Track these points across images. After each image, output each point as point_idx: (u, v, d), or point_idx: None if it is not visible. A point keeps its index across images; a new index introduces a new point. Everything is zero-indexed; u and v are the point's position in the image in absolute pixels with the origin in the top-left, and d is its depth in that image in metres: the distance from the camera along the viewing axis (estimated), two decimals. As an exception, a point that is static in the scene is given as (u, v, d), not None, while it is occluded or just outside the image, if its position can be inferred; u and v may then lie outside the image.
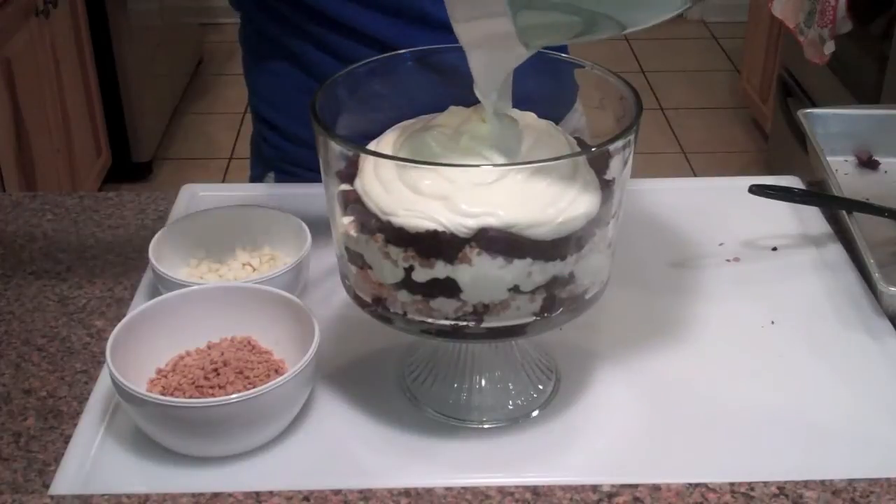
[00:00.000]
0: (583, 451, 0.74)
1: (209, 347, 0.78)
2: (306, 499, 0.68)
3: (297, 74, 1.04)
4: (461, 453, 0.74)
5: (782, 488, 0.68)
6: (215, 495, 0.68)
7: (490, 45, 0.68)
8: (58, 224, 1.02)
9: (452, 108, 0.75)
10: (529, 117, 0.75)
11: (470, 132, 0.71)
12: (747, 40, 3.21)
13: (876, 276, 0.86)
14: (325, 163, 0.71)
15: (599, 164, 0.70)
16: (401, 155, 0.71)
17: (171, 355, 0.78)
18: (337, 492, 0.69)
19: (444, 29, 0.70)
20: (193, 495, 0.68)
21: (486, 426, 0.76)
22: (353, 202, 0.69)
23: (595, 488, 0.69)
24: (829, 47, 2.16)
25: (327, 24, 1.00)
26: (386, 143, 0.73)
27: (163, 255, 0.85)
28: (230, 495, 0.68)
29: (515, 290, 0.68)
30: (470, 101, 0.73)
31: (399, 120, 0.76)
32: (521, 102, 0.74)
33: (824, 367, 0.82)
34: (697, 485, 0.69)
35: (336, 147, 0.69)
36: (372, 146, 0.73)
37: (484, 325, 0.69)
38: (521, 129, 0.72)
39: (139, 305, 0.80)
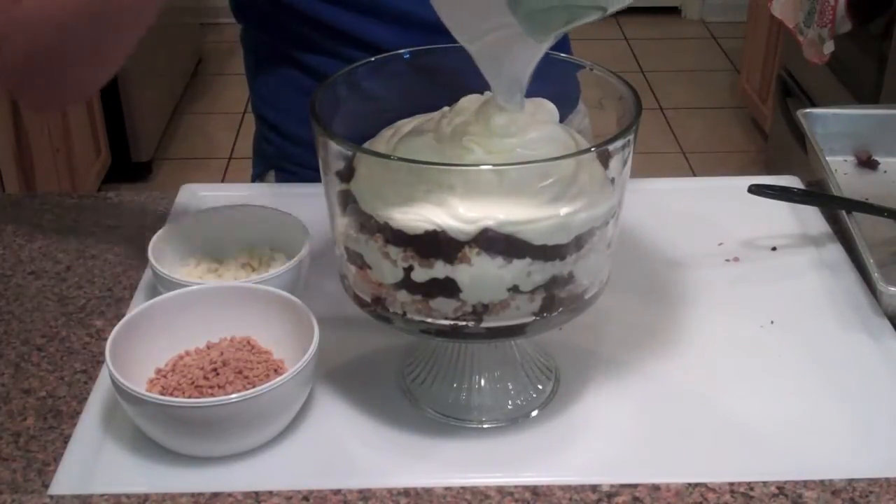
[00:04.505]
0: (582, 451, 0.74)
1: (209, 347, 0.78)
2: (306, 499, 0.68)
3: (297, 76, 1.05)
4: (461, 453, 0.74)
5: (782, 488, 0.68)
6: (215, 495, 0.68)
7: (502, 48, 0.68)
8: (57, 224, 1.02)
9: (463, 101, 0.75)
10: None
11: (469, 131, 0.71)
12: (747, 40, 3.21)
13: (875, 275, 0.86)
14: (325, 162, 0.71)
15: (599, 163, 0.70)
16: (398, 155, 0.70)
17: (170, 355, 0.78)
18: (336, 491, 0.69)
19: (442, 33, 0.71)
20: (193, 495, 0.68)
21: (485, 426, 0.76)
22: (352, 202, 0.69)
23: (594, 488, 0.69)
24: (829, 47, 2.16)
25: (328, 32, 1.00)
26: (381, 143, 0.73)
27: (162, 255, 0.85)
28: (230, 495, 0.68)
29: (515, 289, 0.67)
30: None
31: (398, 119, 0.76)
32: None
33: (824, 367, 0.82)
34: (697, 485, 0.69)
35: (335, 147, 0.69)
36: (366, 146, 0.73)
37: (483, 324, 0.69)
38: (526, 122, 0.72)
39: (138, 305, 0.80)
